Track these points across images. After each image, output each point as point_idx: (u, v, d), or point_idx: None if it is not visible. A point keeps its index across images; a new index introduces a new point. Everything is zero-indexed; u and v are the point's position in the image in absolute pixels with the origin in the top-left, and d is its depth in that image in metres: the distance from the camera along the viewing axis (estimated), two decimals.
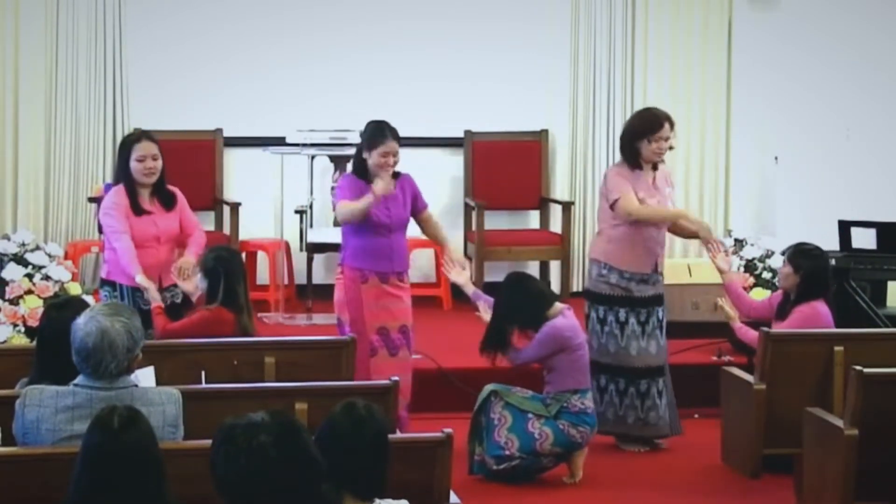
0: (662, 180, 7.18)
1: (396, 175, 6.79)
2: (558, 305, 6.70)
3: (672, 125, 7.09)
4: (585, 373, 6.67)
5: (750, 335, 6.77)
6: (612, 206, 7.03)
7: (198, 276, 6.40)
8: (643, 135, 7.03)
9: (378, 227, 6.72)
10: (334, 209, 6.83)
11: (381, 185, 6.59)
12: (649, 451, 7.14)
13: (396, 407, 5.36)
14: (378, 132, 6.75)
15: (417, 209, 6.89)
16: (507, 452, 6.50)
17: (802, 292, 6.71)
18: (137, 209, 6.57)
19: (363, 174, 6.75)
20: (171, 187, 6.73)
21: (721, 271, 7.02)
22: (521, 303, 6.64)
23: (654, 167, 7.14)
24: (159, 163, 6.58)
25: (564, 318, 6.62)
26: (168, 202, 6.63)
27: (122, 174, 6.64)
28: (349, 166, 6.96)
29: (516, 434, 6.53)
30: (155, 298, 6.41)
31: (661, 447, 7.21)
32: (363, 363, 6.62)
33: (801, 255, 6.81)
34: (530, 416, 6.54)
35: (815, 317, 6.68)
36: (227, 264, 6.37)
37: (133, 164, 6.57)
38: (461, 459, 6.43)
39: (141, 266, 6.49)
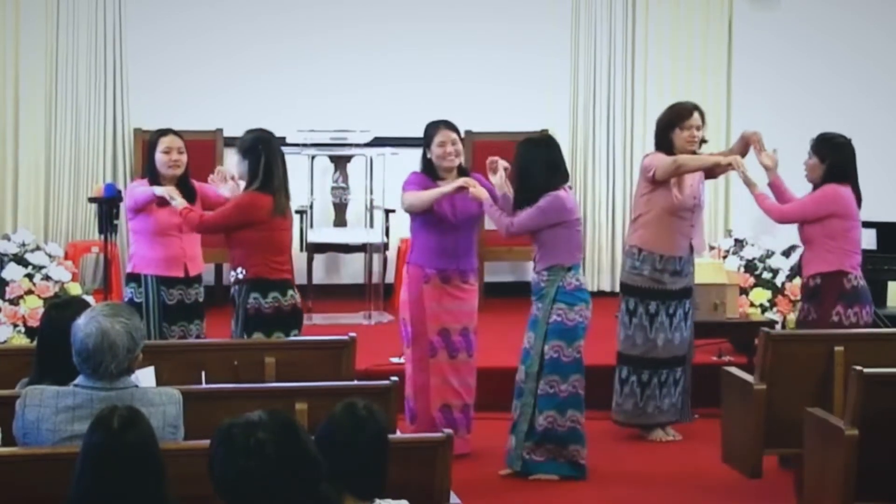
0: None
1: (464, 172, 6.80)
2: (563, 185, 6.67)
3: (702, 115, 7.25)
4: (579, 249, 6.72)
5: (768, 204, 6.89)
6: (654, 178, 7.13)
7: (236, 160, 6.49)
8: (674, 124, 7.20)
9: (443, 224, 6.74)
10: (402, 204, 6.84)
11: (462, 180, 6.62)
12: (674, 441, 7.25)
13: (396, 407, 5.37)
14: (432, 126, 6.86)
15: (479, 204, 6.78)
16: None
17: (827, 179, 6.75)
18: (161, 199, 6.61)
19: (431, 173, 6.80)
20: (194, 181, 6.81)
21: (766, 168, 7.03)
22: (533, 168, 6.58)
23: None
24: (184, 157, 6.68)
25: (566, 193, 6.61)
26: (191, 197, 6.67)
27: (148, 168, 6.75)
28: (415, 165, 6.97)
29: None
30: (180, 203, 6.47)
31: (669, 436, 7.34)
32: (422, 363, 6.67)
33: (826, 144, 6.82)
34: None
35: (836, 197, 6.72)
36: (267, 144, 6.47)
37: (158, 157, 6.66)
38: (462, 459, 6.43)
39: (165, 256, 6.59)
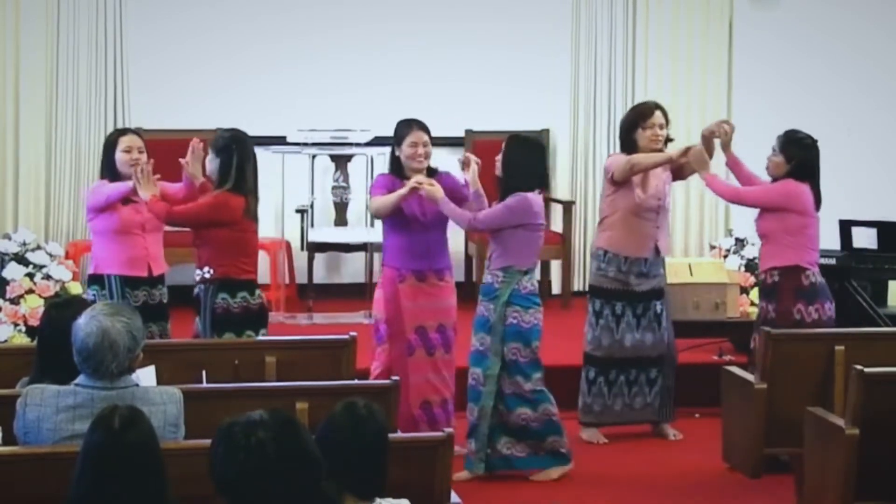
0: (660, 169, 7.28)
1: (433, 172, 6.78)
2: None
3: (664, 113, 7.25)
4: (537, 254, 6.71)
5: (718, 184, 6.98)
6: (613, 179, 7.14)
7: (209, 156, 6.46)
8: (637, 124, 7.22)
9: (413, 225, 6.71)
10: (370, 206, 6.82)
11: (413, 180, 6.58)
12: (607, 445, 7.20)
13: (398, 406, 5.37)
14: (404, 124, 6.81)
15: (458, 204, 6.76)
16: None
17: (788, 177, 6.79)
18: (125, 197, 6.58)
19: (398, 172, 6.77)
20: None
21: (725, 149, 7.12)
22: (514, 166, 6.59)
23: None
24: (144, 156, 6.58)
25: (535, 196, 6.60)
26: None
27: (107, 168, 6.66)
28: (385, 167, 6.95)
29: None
30: (148, 192, 6.41)
31: (669, 436, 7.31)
32: (400, 362, 6.66)
33: (794, 144, 6.85)
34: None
35: (795, 193, 6.76)
36: (241, 144, 6.45)
37: (119, 156, 6.59)
38: (460, 459, 6.44)
39: (129, 256, 6.54)
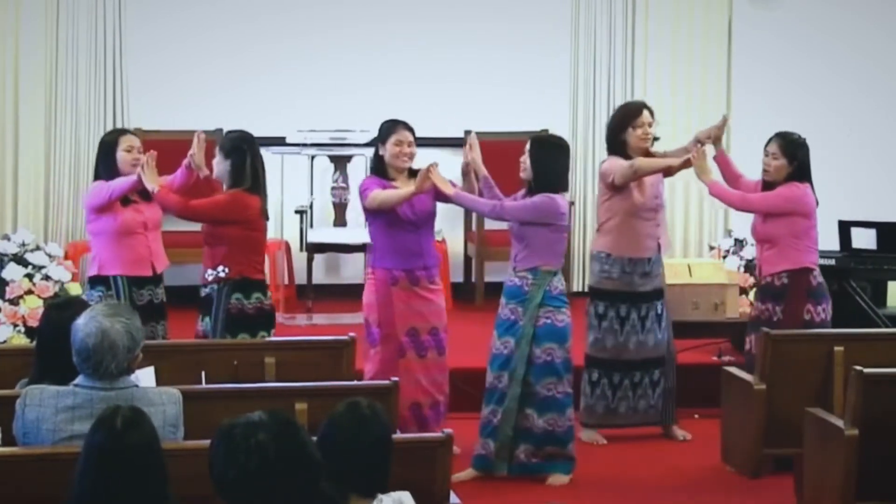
0: None
1: (414, 172, 6.74)
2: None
3: (651, 112, 7.26)
4: (563, 254, 6.70)
5: (723, 190, 6.99)
6: (613, 183, 7.12)
7: (216, 158, 6.46)
8: (626, 124, 7.22)
9: (404, 224, 6.70)
10: (365, 203, 6.71)
11: (422, 182, 6.56)
12: (607, 445, 7.19)
13: (398, 406, 5.37)
14: (389, 124, 6.81)
15: (445, 196, 6.75)
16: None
17: (790, 179, 6.80)
18: (123, 199, 6.60)
19: (383, 173, 6.76)
20: None
21: (716, 140, 7.20)
22: (545, 167, 6.60)
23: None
24: (143, 157, 6.60)
25: (562, 198, 6.60)
26: (147, 195, 6.62)
27: (106, 169, 6.67)
28: (368, 169, 6.93)
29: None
30: (152, 185, 6.43)
31: (678, 438, 7.30)
32: (391, 364, 6.64)
33: (794, 144, 6.84)
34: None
35: (802, 196, 6.77)
36: (251, 145, 6.48)
37: (121, 155, 6.63)
38: (461, 459, 6.43)
39: (133, 256, 6.56)
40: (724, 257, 8.83)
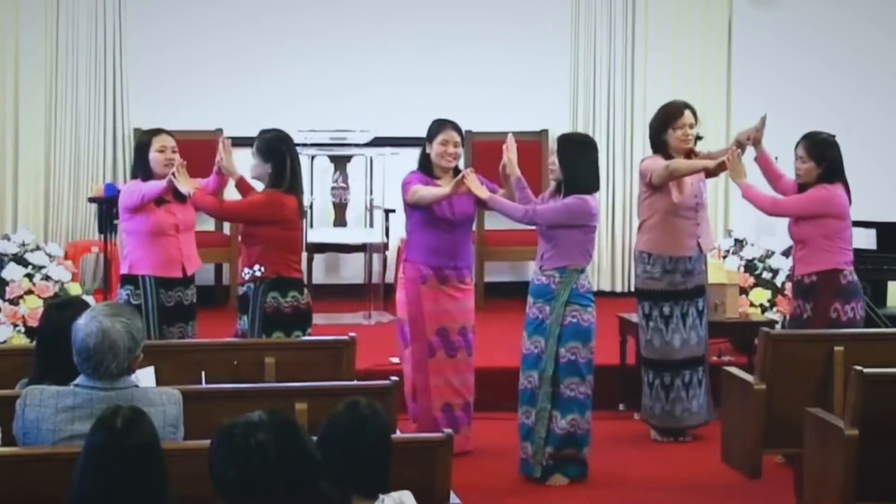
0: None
1: (458, 171, 6.80)
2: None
3: (694, 113, 7.27)
4: (591, 253, 6.70)
5: (756, 194, 6.89)
6: (651, 183, 7.13)
7: (254, 161, 6.46)
8: (667, 125, 7.23)
9: (441, 223, 6.75)
10: (405, 196, 6.77)
11: (465, 172, 6.60)
12: (678, 442, 7.26)
13: (397, 407, 5.36)
14: (437, 123, 6.88)
15: (480, 201, 6.75)
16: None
17: (821, 180, 6.78)
18: (157, 199, 6.62)
19: (428, 170, 6.81)
20: None
21: (756, 142, 7.10)
22: (576, 167, 6.58)
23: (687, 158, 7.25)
24: (177, 156, 6.66)
25: (594, 199, 6.59)
26: (181, 195, 6.65)
27: (141, 168, 6.71)
28: (415, 164, 6.96)
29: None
30: (188, 188, 6.46)
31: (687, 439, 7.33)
32: (422, 363, 6.67)
33: (821, 145, 6.80)
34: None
35: (833, 198, 6.74)
36: (289, 144, 6.49)
37: (153, 155, 6.67)
38: (462, 458, 6.43)
39: (163, 257, 6.59)
40: (724, 257, 8.82)
